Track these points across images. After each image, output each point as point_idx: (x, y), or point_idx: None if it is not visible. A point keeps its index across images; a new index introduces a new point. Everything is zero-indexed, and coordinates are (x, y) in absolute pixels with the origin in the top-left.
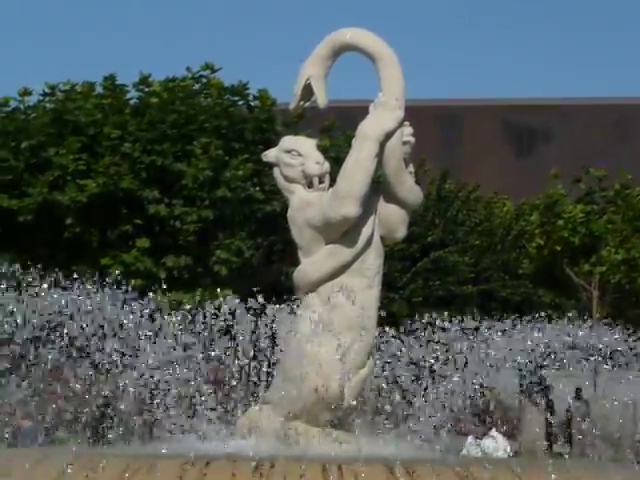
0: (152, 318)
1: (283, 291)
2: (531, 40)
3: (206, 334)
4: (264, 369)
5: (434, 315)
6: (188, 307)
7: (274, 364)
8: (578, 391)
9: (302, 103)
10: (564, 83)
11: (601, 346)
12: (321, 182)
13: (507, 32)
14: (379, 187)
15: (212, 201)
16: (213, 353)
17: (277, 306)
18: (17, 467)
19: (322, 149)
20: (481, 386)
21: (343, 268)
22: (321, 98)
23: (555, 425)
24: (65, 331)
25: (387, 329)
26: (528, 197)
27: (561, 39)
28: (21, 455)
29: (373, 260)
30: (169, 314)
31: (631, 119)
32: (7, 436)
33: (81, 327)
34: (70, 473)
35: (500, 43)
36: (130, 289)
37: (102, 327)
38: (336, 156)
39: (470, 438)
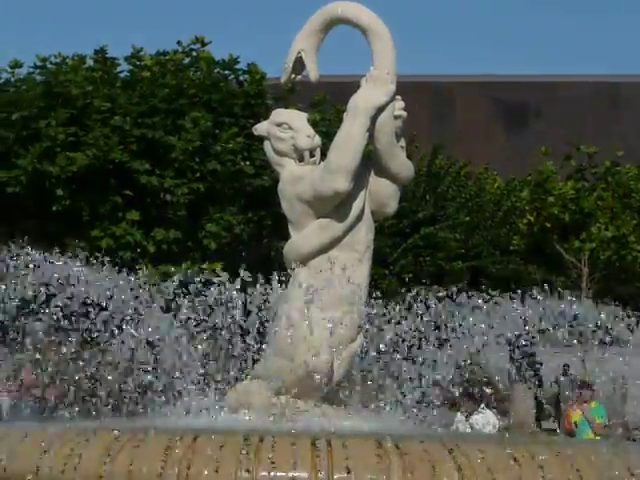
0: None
1: (273, 265)
2: (524, 17)
3: (198, 307)
4: (253, 343)
5: (424, 290)
6: (176, 279)
7: (264, 338)
8: (566, 368)
9: (293, 77)
10: (556, 60)
11: (590, 323)
12: (312, 156)
13: (500, 8)
14: (370, 161)
15: (202, 174)
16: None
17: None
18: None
19: (313, 123)
20: (470, 363)
21: (334, 242)
22: (313, 72)
23: (544, 401)
24: (57, 303)
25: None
26: (519, 173)
27: (554, 16)
28: (6, 429)
29: (364, 235)
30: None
31: (622, 96)
32: None
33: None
34: (56, 447)
35: (493, 19)
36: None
37: (88, 300)
38: (327, 130)
39: (459, 414)
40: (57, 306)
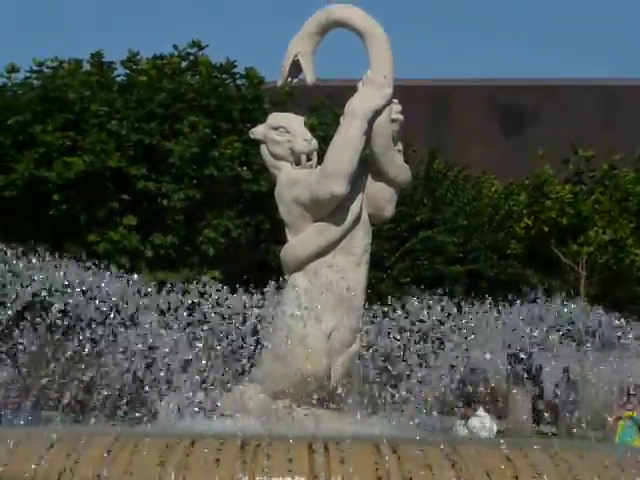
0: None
1: (271, 270)
2: (520, 20)
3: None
4: (251, 347)
5: (423, 295)
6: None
7: (261, 343)
8: (565, 371)
9: (290, 80)
10: (553, 63)
11: (589, 326)
12: (309, 159)
13: (496, 12)
14: (367, 165)
15: (200, 180)
16: (202, 331)
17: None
18: None
19: (310, 128)
20: (472, 371)
21: (331, 246)
22: (309, 75)
23: (542, 405)
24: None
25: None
26: (516, 177)
27: (549, 19)
28: (2, 435)
29: (361, 238)
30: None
31: (620, 100)
32: None
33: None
34: (52, 452)
35: (489, 23)
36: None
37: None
38: (324, 135)
39: (459, 419)
40: (61, 311)
